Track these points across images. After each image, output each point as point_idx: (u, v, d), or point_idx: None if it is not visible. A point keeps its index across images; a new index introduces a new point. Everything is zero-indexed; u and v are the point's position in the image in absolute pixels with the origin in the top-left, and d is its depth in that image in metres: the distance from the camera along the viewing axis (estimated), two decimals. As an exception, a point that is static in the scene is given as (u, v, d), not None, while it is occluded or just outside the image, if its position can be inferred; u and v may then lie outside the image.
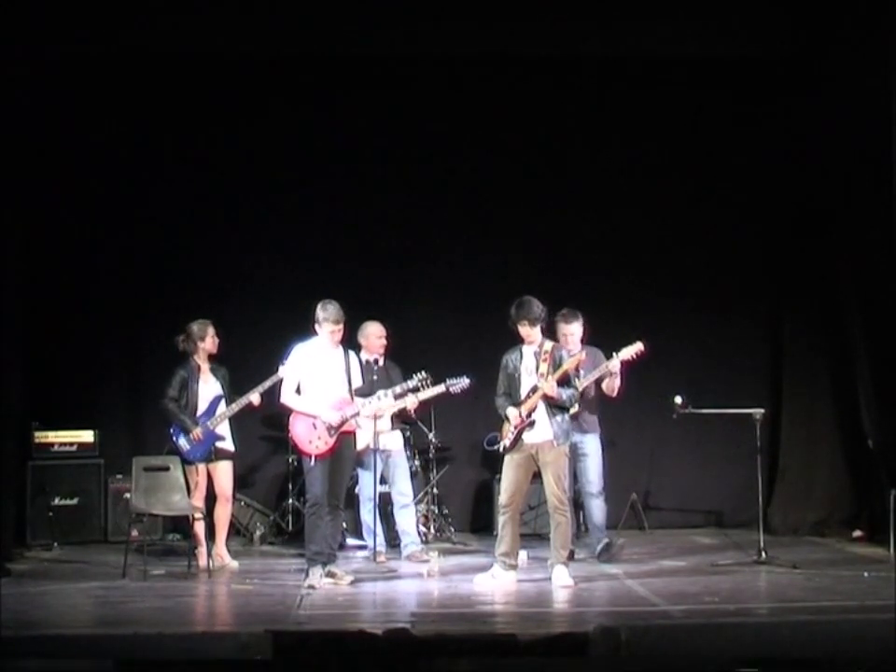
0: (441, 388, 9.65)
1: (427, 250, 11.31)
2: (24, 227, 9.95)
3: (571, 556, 8.89)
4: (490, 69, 10.97)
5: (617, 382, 9.25)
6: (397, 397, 9.41)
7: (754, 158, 11.27)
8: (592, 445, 9.30)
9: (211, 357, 9.57)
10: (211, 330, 9.51)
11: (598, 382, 9.27)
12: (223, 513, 9.51)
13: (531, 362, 8.49)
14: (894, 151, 9.48)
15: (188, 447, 9.35)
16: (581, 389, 8.92)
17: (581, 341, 9.31)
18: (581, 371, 9.03)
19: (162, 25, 10.10)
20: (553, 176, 11.34)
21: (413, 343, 10.55)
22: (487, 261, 11.25)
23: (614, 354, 9.19)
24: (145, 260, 11.10)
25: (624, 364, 9.20)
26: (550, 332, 8.78)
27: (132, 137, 10.90)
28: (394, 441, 9.85)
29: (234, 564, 9.40)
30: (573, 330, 9.23)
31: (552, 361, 8.43)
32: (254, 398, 9.41)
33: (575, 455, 9.18)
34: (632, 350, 9.15)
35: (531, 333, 8.46)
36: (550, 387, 8.33)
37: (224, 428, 9.46)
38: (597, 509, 9.31)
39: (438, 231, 11.31)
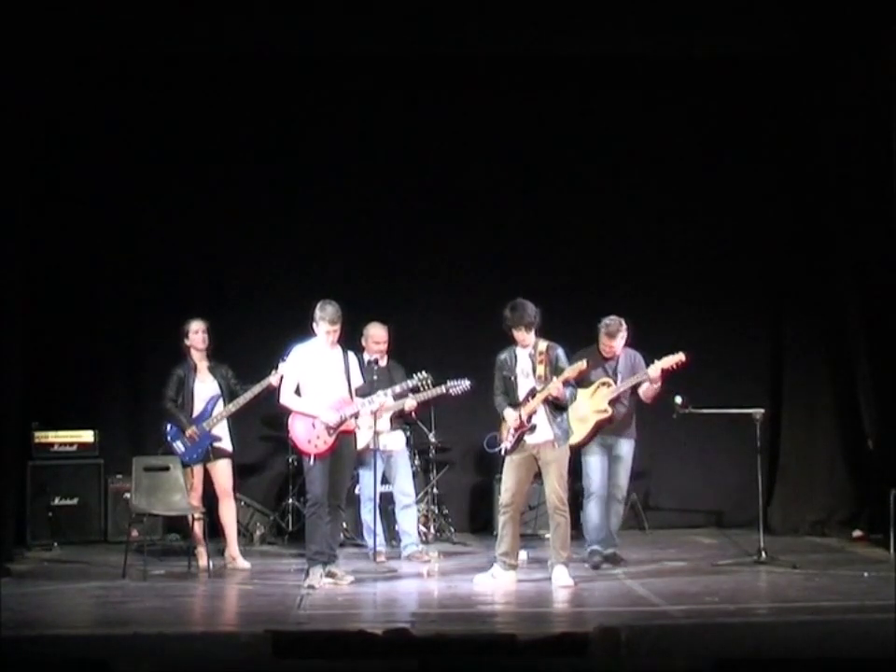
0: (441, 390, 9.62)
1: (429, 251, 11.31)
2: (26, 227, 9.94)
3: (605, 560, 9.00)
4: (489, 71, 10.97)
5: (656, 388, 9.14)
6: (396, 396, 9.40)
7: (754, 158, 11.27)
8: (625, 449, 9.21)
9: (208, 356, 9.57)
10: (194, 326, 9.50)
11: (635, 387, 9.19)
12: (228, 512, 9.50)
13: (527, 364, 8.49)
14: (894, 150, 9.49)
15: (182, 449, 9.35)
16: (617, 394, 9.04)
17: (627, 343, 9.25)
18: (619, 375, 9.11)
19: (165, 26, 10.10)
20: (555, 179, 11.35)
21: (414, 344, 10.54)
22: (489, 263, 11.25)
23: (655, 361, 9.07)
24: (145, 260, 11.10)
25: (665, 373, 9.09)
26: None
27: (132, 138, 10.91)
28: (396, 441, 9.85)
29: (246, 564, 9.39)
30: (615, 344, 9.14)
31: (548, 362, 8.42)
32: (257, 389, 9.37)
33: (608, 457, 9.17)
34: (672, 360, 9.02)
35: (526, 338, 8.47)
36: (556, 387, 8.32)
37: (222, 428, 9.44)
38: (615, 514, 9.23)
39: (440, 232, 11.31)
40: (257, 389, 9.34)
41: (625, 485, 9.26)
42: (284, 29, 10.22)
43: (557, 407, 8.42)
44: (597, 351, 9.18)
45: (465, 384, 9.61)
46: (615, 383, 9.12)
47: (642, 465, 10.80)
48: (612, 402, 9.10)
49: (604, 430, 9.14)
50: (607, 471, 9.17)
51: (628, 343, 9.26)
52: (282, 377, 8.86)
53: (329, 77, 10.99)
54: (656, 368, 9.03)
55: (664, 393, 9.23)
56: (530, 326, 8.43)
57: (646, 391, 9.17)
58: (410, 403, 9.68)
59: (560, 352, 8.51)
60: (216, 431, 9.41)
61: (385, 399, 9.03)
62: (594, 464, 9.10)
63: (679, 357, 9.03)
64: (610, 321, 9.16)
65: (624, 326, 9.18)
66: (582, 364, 8.48)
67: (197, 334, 9.50)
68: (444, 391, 9.63)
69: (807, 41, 10.46)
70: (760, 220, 11.37)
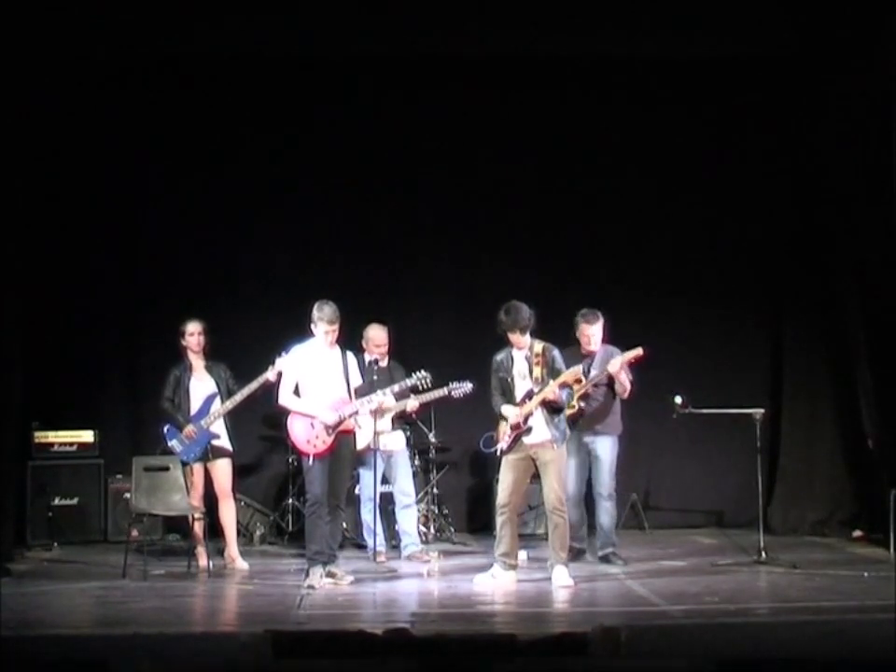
0: (443, 392, 9.60)
1: (429, 252, 11.31)
2: (25, 227, 9.93)
3: (579, 554, 9.06)
4: (489, 71, 10.97)
5: (626, 384, 9.22)
6: (396, 396, 9.39)
7: (754, 158, 11.27)
8: (604, 447, 9.27)
9: (206, 356, 9.57)
10: (190, 328, 9.50)
11: (611, 385, 9.25)
12: (227, 513, 9.49)
13: (523, 366, 8.49)
14: (894, 151, 9.49)
15: (180, 448, 9.34)
16: (585, 390, 9.09)
17: (602, 340, 9.32)
18: (593, 372, 9.18)
19: (165, 26, 10.09)
20: (555, 180, 11.34)
21: (414, 344, 10.54)
22: (489, 263, 11.24)
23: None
24: (145, 260, 11.11)
25: (630, 366, 9.18)
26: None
27: (132, 137, 10.91)
28: (396, 441, 9.84)
29: (245, 565, 9.38)
30: (594, 332, 9.26)
31: (544, 363, 8.42)
32: (254, 385, 9.34)
33: (588, 456, 9.23)
34: (630, 355, 9.12)
35: (521, 340, 8.47)
36: (553, 391, 8.34)
37: (220, 427, 9.43)
38: (605, 513, 9.27)
39: (440, 232, 11.31)
40: (254, 385, 9.33)
41: (609, 482, 9.29)
42: (284, 29, 10.22)
43: (554, 408, 8.43)
44: (578, 349, 9.27)
45: (467, 386, 9.58)
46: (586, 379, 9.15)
47: (642, 465, 10.84)
48: (583, 398, 9.15)
49: (580, 427, 9.21)
50: (585, 471, 9.26)
51: (605, 340, 9.29)
52: (279, 374, 8.85)
53: (329, 77, 10.99)
54: (614, 363, 9.13)
55: (635, 388, 9.30)
56: (525, 329, 8.43)
57: (616, 387, 9.25)
58: (412, 404, 9.67)
59: (556, 353, 8.53)
60: (213, 429, 9.40)
61: (383, 399, 9.03)
62: (569, 465, 9.07)
63: (637, 351, 9.13)
64: (587, 310, 9.31)
65: (601, 318, 9.28)
66: (578, 369, 8.54)
67: (193, 336, 9.50)
68: (446, 393, 9.61)
69: (807, 41, 10.45)
70: (760, 220, 11.37)
